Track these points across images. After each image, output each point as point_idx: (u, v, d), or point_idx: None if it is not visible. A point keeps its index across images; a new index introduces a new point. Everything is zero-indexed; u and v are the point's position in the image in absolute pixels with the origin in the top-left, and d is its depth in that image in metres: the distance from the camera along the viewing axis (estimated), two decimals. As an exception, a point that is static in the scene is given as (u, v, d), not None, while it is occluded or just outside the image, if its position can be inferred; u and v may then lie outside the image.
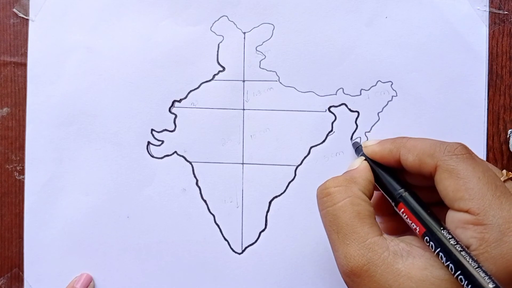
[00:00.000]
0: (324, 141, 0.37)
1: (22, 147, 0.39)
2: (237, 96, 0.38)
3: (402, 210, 0.29)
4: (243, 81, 0.38)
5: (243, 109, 0.38)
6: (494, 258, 0.25)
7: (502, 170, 0.30)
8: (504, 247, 0.25)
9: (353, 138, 0.37)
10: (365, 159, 0.33)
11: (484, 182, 0.26)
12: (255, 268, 0.38)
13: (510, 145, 0.37)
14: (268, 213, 0.38)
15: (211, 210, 0.38)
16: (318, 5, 0.38)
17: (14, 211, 0.39)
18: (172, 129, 0.38)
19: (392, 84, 0.37)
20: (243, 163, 0.38)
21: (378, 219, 0.32)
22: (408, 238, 0.29)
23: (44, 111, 0.38)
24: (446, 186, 0.27)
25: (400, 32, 0.37)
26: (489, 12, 0.37)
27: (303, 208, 0.37)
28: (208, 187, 0.38)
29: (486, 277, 0.25)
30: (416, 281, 0.26)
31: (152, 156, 0.38)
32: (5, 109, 0.39)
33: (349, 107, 0.37)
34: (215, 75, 0.38)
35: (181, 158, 0.38)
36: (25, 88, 0.39)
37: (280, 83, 0.38)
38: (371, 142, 0.33)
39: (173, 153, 0.38)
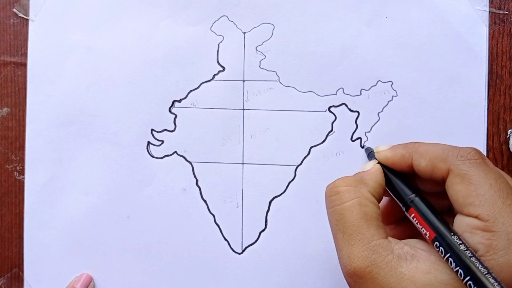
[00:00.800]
0: (324, 141, 0.37)
1: (22, 147, 0.39)
2: (237, 96, 0.38)
3: (413, 215, 0.29)
4: (243, 81, 0.38)
5: (243, 109, 0.38)
6: (501, 266, 0.25)
7: None
8: (511, 255, 0.25)
9: (364, 146, 0.37)
10: (377, 163, 0.32)
11: (496, 189, 0.26)
12: (255, 268, 0.38)
13: (510, 145, 0.37)
14: (268, 213, 0.38)
15: (211, 210, 0.38)
16: (318, 5, 0.38)
17: (14, 211, 0.39)
18: (172, 129, 0.38)
19: (392, 84, 0.37)
20: (243, 163, 0.38)
21: None
22: (412, 242, 0.29)
23: (44, 111, 0.38)
24: (457, 191, 0.27)
25: (400, 32, 0.37)
26: (489, 12, 0.37)
27: (303, 208, 0.37)
28: (208, 187, 0.38)
29: (496, 283, 0.25)
30: (419, 285, 0.26)
31: (152, 156, 0.38)
32: (5, 109, 0.39)
33: (349, 107, 0.37)
34: (215, 75, 0.38)
35: (181, 158, 0.38)
36: (25, 88, 0.39)
37: (280, 83, 0.38)
38: (384, 147, 0.33)
39: (173, 153, 0.38)
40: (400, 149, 0.31)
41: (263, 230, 0.38)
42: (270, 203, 0.38)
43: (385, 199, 0.34)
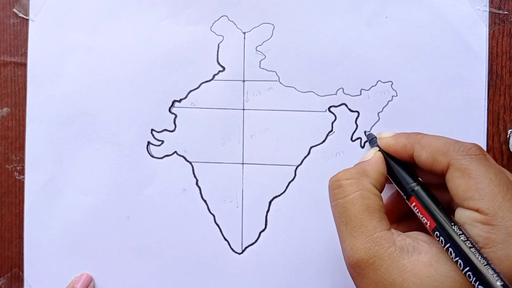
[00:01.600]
0: (324, 141, 0.37)
1: (22, 147, 0.39)
2: (237, 96, 0.38)
3: (414, 204, 0.30)
4: (243, 81, 0.38)
5: (243, 109, 0.38)
6: (499, 259, 0.25)
7: None
8: (510, 249, 0.25)
9: (366, 132, 0.37)
10: (379, 150, 0.33)
11: (496, 184, 0.26)
12: (255, 268, 0.38)
13: (510, 145, 0.37)
14: (268, 213, 0.38)
15: (211, 210, 0.38)
16: (318, 5, 0.38)
17: (14, 211, 0.39)
18: (172, 129, 0.38)
19: (392, 84, 0.37)
20: (243, 163, 0.38)
21: None
22: (414, 234, 0.29)
23: (44, 111, 0.38)
24: (457, 185, 0.27)
25: (400, 32, 0.37)
26: (489, 12, 0.37)
27: (303, 208, 0.37)
28: (208, 187, 0.38)
29: (495, 275, 0.25)
30: (420, 277, 0.26)
31: (152, 156, 0.38)
32: (5, 109, 0.39)
33: (349, 107, 0.37)
34: (215, 75, 0.38)
35: (181, 158, 0.38)
36: (25, 88, 0.39)
37: (280, 83, 0.38)
38: (386, 134, 0.33)
39: (173, 153, 0.38)
40: (403, 139, 0.31)
41: (263, 230, 0.38)
42: (270, 203, 0.38)
43: (388, 197, 0.34)
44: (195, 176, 0.38)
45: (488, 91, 0.37)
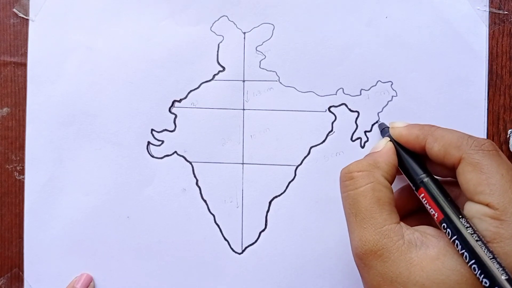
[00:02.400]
0: (324, 141, 0.37)
1: (22, 147, 0.39)
2: (237, 96, 0.38)
3: (422, 195, 0.30)
4: (243, 81, 0.38)
5: (243, 109, 0.38)
6: (506, 254, 0.25)
7: None
8: None
9: (378, 121, 0.37)
10: (390, 140, 0.33)
11: (507, 180, 0.27)
12: (255, 268, 0.38)
13: (510, 145, 0.37)
14: (268, 213, 0.38)
15: (211, 210, 0.38)
16: (318, 5, 0.38)
17: (14, 211, 0.39)
18: (172, 129, 0.38)
19: (392, 84, 0.37)
20: (243, 163, 0.38)
21: None
22: (423, 228, 0.29)
23: (44, 111, 0.38)
24: (468, 179, 0.27)
25: (400, 32, 0.37)
26: (489, 12, 0.37)
27: (303, 208, 0.37)
28: (208, 187, 0.38)
29: (500, 269, 0.25)
30: (427, 271, 0.26)
31: (152, 156, 0.38)
32: (5, 109, 0.39)
33: (349, 107, 0.37)
34: (215, 75, 0.38)
35: (181, 158, 0.38)
36: (25, 88, 0.39)
37: (280, 83, 0.38)
38: (399, 124, 0.33)
39: (173, 153, 0.38)
40: (416, 129, 0.31)
41: (263, 230, 0.38)
42: (270, 203, 0.38)
43: (398, 190, 0.34)
44: (195, 176, 0.38)
45: (488, 91, 0.37)
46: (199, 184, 0.38)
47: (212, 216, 0.38)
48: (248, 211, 0.38)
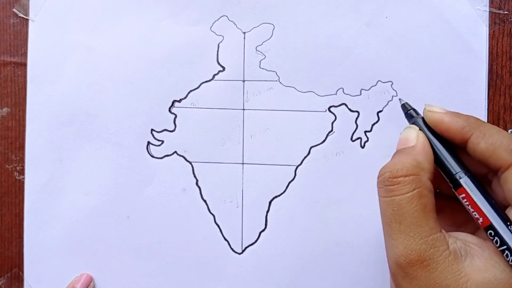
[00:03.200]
0: (324, 141, 0.37)
1: (22, 147, 0.39)
2: (237, 96, 0.38)
3: (463, 195, 0.28)
4: (243, 81, 0.38)
5: (243, 109, 0.38)
6: None
7: None
8: None
9: (401, 100, 0.32)
10: (420, 131, 0.29)
11: None
12: (255, 268, 0.38)
13: (510, 145, 0.37)
14: (268, 213, 0.38)
15: (211, 210, 0.38)
16: (318, 5, 0.37)
17: (14, 211, 0.39)
18: (172, 129, 0.38)
19: (392, 84, 0.37)
20: (243, 163, 0.38)
21: None
22: (462, 235, 0.28)
23: (44, 111, 0.38)
24: None
25: (400, 32, 0.37)
26: (489, 12, 0.37)
27: (303, 208, 0.37)
28: (208, 187, 0.38)
29: None
30: (477, 284, 0.25)
31: (152, 156, 0.38)
32: (5, 109, 0.39)
33: (349, 107, 0.37)
34: (215, 75, 0.38)
35: (181, 158, 0.38)
36: (25, 88, 0.38)
37: (280, 83, 0.38)
38: (438, 109, 0.29)
39: (173, 153, 0.38)
40: (462, 120, 0.28)
41: (263, 230, 0.38)
42: (270, 203, 0.38)
43: None
44: (195, 176, 0.38)
45: (488, 91, 0.37)
46: (199, 184, 0.38)
47: (212, 216, 0.38)
48: (248, 211, 0.38)
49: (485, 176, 0.29)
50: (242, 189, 0.38)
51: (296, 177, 0.37)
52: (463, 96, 0.37)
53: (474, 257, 0.26)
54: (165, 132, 0.38)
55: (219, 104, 0.38)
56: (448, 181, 0.29)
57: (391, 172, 0.28)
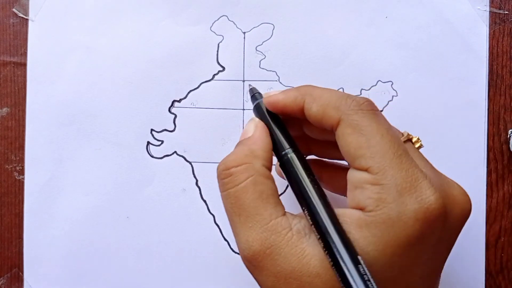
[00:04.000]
0: (324, 141, 0.37)
1: (22, 147, 0.39)
2: (237, 96, 0.38)
3: (283, 170, 0.28)
4: (243, 81, 0.38)
5: (243, 109, 0.38)
6: (392, 220, 0.23)
7: (403, 131, 0.29)
8: (401, 207, 0.23)
9: (250, 86, 0.33)
10: (260, 121, 0.29)
11: (387, 140, 0.25)
12: (255, 268, 0.37)
13: (510, 145, 0.37)
14: (268, 213, 0.38)
15: (211, 210, 0.38)
16: (318, 5, 0.37)
17: (14, 211, 0.39)
18: (172, 129, 0.38)
19: (392, 84, 0.37)
20: (243, 163, 0.38)
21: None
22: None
23: (44, 111, 0.38)
24: (348, 142, 0.25)
25: (400, 32, 0.37)
26: (490, 12, 0.37)
27: (303, 208, 0.37)
28: (208, 187, 0.38)
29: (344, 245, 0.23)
30: (319, 259, 0.24)
31: (152, 156, 0.38)
32: (5, 109, 0.39)
33: (349, 107, 0.37)
34: (215, 75, 0.38)
35: (181, 158, 0.38)
36: (25, 88, 0.38)
37: (280, 83, 0.38)
38: (274, 92, 0.30)
39: (173, 153, 0.38)
40: (293, 91, 0.29)
41: (263, 230, 0.38)
42: (270, 203, 0.38)
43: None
44: (195, 176, 0.38)
45: (488, 91, 0.37)
46: (199, 184, 0.38)
47: (212, 216, 0.38)
48: (248, 211, 0.38)
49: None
50: (242, 189, 0.38)
51: (296, 177, 0.37)
52: (463, 96, 0.37)
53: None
54: (165, 132, 0.38)
55: (219, 104, 0.38)
56: (277, 159, 0.28)
57: (224, 164, 0.27)
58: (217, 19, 0.38)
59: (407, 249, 0.23)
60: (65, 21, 0.38)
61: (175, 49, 0.38)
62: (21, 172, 0.39)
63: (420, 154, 0.28)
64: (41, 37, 0.38)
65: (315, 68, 0.37)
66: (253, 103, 0.31)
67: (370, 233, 0.24)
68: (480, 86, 0.37)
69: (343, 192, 0.28)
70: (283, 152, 0.28)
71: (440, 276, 0.27)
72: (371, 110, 0.26)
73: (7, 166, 0.39)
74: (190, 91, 0.38)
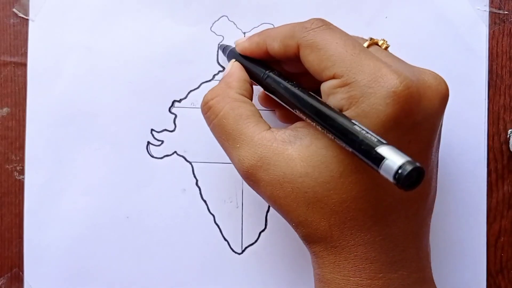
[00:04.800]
0: (324, 141, 0.37)
1: (22, 147, 0.39)
2: (237, 96, 0.38)
3: (269, 91, 0.30)
4: (243, 81, 0.38)
5: (243, 109, 0.38)
6: (365, 112, 0.25)
7: (367, 37, 0.30)
8: (371, 98, 0.25)
9: (219, 43, 0.37)
10: (235, 61, 0.33)
11: (342, 45, 0.26)
12: (255, 268, 0.38)
13: (510, 145, 0.37)
14: (268, 213, 0.38)
15: (211, 210, 0.38)
16: (318, 5, 0.37)
17: (14, 211, 0.39)
18: (172, 129, 0.38)
19: (392, 84, 0.37)
20: (243, 163, 0.38)
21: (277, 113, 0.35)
22: (293, 125, 0.29)
23: (44, 111, 0.38)
24: (310, 61, 0.27)
25: (400, 32, 0.37)
26: (489, 12, 0.37)
27: (303, 208, 0.37)
28: (208, 187, 0.38)
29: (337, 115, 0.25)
30: (305, 159, 0.26)
31: (152, 156, 0.38)
32: (5, 109, 0.39)
33: (349, 107, 0.37)
34: (215, 75, 0.38)
35: (181, 158, 0.38)
36: (25, 88, 0.38)
37: (280, 83, 0.37)
38: (241, 40, 0.33)
39: (173, 153, 0.38)
40: (255, 37, 0.31)
41: (263, 230, 0.38)
42: (270, 203, 0.38)
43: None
44: (195, 176, 0.38)
45: (488, 91, 0.37)
46: (199, 184, 0.38)
47: (212, 216, 0.38)
48: (248, 211, 0.38)
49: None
50: (242, 189, 0.38)
51: (296, 177, 0.37)
52: (463, 96, 0.37)
53: (302, 138, 0.27)
54: (165, 132, 0.38)
55: (219, 104, 0.38)
56: (263, 89, 0.31)
57: (204, 100, 0.31)
58: (217, 20, 0.38)
59: (384, 135, 0.24)
60: (65, 21, 0.38)
61: (175, 49, 0.38)
62: (21, 172, 0.39)
63: (388, 52, 0.30)
64: (41, 37, 0.38)
65: (315, 68, 0.37)
66: (226, 52, 0.34)
67: None
68: (480, 86, 0.37)
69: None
70: (262, 75, 0.31)
71: (431, 164, 0.29)
72: (322, 26, 0.28)
73: (7, 166, 0.39)
74: (191, 91, 0.38)
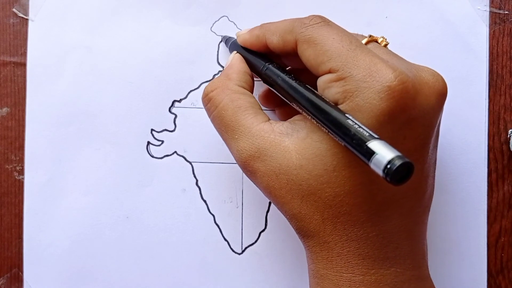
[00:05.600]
0: (324, 141, 0.37)
1: (22, 147, 0.38)
2: (237, 96, 0.38)
3: (268, 84, 0.31)
4: (243, 81, 0.38)
5: (243, 109, 0.38)
6: (359, 106, 0.25)
7: (367, 35, 0.31)
8: (365, 92, 0.25)
9: (221, 36, 0.38)
10: (236, 53, 0.33)
11: (338, 41, 0.27)
12: (255, 268, 0.37)
13: (510, 145, 0.37)
14: (268, 213, 0.38)
15: (211, 210, 0.38)
16: (318, 5, 0.37)
17: (13, 211, 0.39)
18: (172, 129, 0.38)
19: (392, 84, 0.37)
20: (243, 163, 0.38)
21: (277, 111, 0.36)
22: (293, 117, 0.29)
23: (44, 111, 0.38)
24: (307, 56, 0.28)
25: (400, 32, 0.37)
26: (490, 12, 0.37)
27: (303, 208, 0.37)
28: (208, 187, 0.38)
29: (333, 107, 0.26)
30: (301, 152, 0.27)
31: (152, 156, 0.38)
32: (5, 109, 0.39)
33: (349, 107, 0.37)
34: (215, 75, 0.38)
35: (181, 158, 0.38)
36: (25, 88, 0.38)
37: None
38: (243, 31, 0.33)
39: (173, 153, 0.38)
40: (256, 30, 0.32)
41: (263, 230, 0.38)
42: (270, 203, 0.38)
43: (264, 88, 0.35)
44: (195, 176, 0.38)
45: (488, 91, 0.37)
46: (199, 184, 0.38)
47: (212, 216, 0.38)
48: (248, 211, 0.38)
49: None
50: (242, 189, 0.38)
51: (296, 177, 0.37)
52: (463, 96, 0.37)
53: (299, 131, 0.28)
54: (165, 132, 0.38)
55: (219, 104, 0.38)
56: (262, 80, 0.32)
57: (204, 92, 0.31)
58: (218, 20, 0.38)
59: (379, 129, 0.25)
60: (65, 21, 0.38)
61: (175, 49, 0.38)
62: (21, 172, 0.39)
63: (387, 49, 0.30)
64: (41, 37, 0.38)
65: (315, 68, 0.37)
66: (229, 44, 0.35)
67: None
68: (480, 86, 0.37)
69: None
70: (262, 67, 0.31)
71: (428, 162, 0.29)
72: (320, 22, 0.28)
73: (7, 166, 0.39)
74: (191, 91, 0.38)
